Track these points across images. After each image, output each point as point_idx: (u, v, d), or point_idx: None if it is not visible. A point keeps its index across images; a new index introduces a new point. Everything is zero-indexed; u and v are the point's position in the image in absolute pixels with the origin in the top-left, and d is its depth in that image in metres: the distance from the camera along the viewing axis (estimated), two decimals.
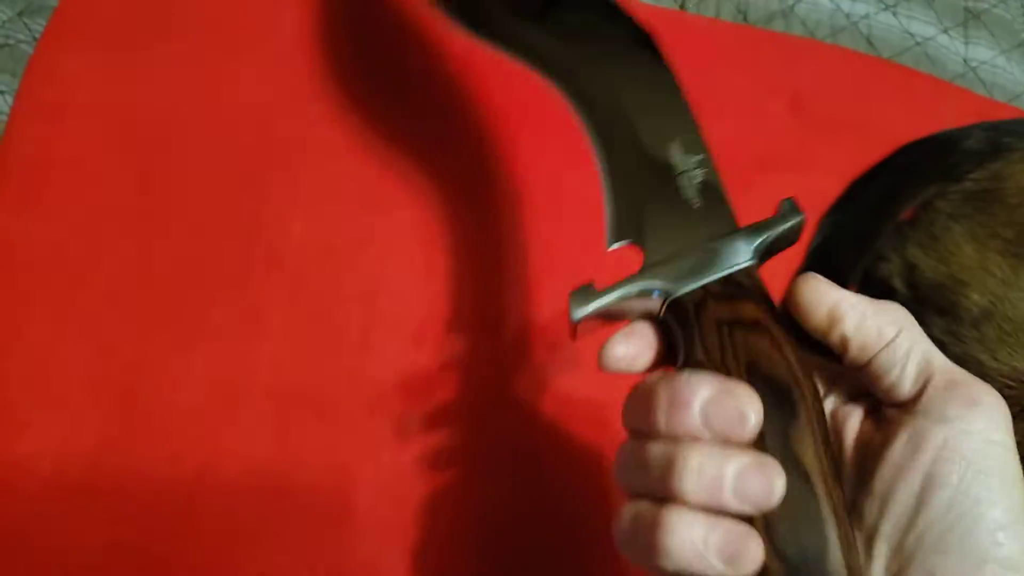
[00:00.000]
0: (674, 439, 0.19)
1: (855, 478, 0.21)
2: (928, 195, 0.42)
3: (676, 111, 0.26)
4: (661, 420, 0.19)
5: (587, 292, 0.22)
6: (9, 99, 0.41)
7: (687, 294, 0.22)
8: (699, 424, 0.19)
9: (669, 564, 0.18)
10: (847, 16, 0.48)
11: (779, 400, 0.20)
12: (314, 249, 0.40)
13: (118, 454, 0.35)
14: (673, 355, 0.22)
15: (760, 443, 0.19)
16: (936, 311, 0.39)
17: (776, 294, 0.45)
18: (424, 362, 0.38)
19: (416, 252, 0.40)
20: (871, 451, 0.21)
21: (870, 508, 0.20)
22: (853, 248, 0.42)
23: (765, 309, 0.22)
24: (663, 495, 0.19)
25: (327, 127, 0.42)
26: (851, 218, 0.42)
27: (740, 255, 0.22)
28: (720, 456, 0.18)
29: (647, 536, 0.18)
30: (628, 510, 0.19)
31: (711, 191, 0.25)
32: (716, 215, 0.24)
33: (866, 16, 0.48)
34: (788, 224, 0.24)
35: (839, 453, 0.21)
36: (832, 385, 0.23)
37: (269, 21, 0.43)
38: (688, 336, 0.21)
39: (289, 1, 0.44)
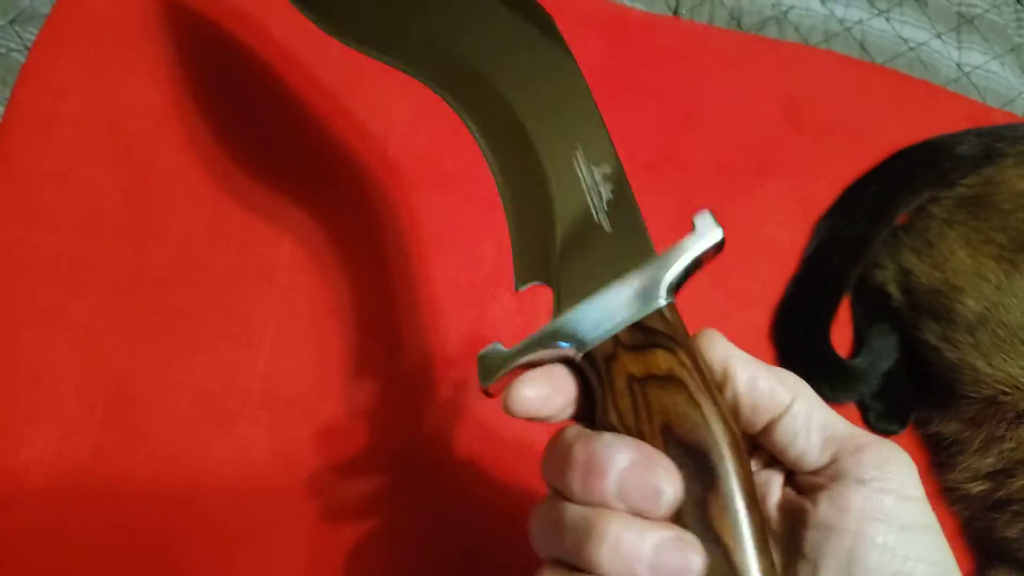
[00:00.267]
0: (591, 504, 0.18)
1: (786, 540, 0.20)
2: (922, 201, 0.42)
3: (578, 112, 0.22)
4: (576, 485, 0.18)
5: (493, 354, 0.20)
6: (1, 107, 0.40)
7: (598, 347, 0.20)
8: (615, 495, 0.18)
9: None
10: (840, 22, 0.48)
11: (698, 466, 0.19)
12: (306, 256, 0.39)
13: (112, 463, 0.35)
14: (591, 395, 0.21)
15: (679, 517, 0.18)
16: (931, 317, 0.39)
17: (770, 302, 0.44)
18: (405, 376, 0.38)
19: (410, 259, 0.40)
20: (796, 514, 0.20)
21: (804, 571, 0.20)
22: (848, 254, 0.42)
23: (680, 357, 0.20)
24: (578, 565, 0.18)
25: (318, 133, 0.41)
26: (846, 224, 0.42)
27: (652, 295, 0.20)
28: (638, 529, 0.18)
29: None
30: None
31: (622, 210, 0.22)
32: (628, 239, 0.21)
33: (859, 22, 0.48)
34: (705, 247, 0.21)
35: (767, 515, 0.21)
36: (753, 448, 0.22)
37: (261, 27, 0.43)
38: (602, 392, 0.20)
39: (280, 7, 0.44)
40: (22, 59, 0.41)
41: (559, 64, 0.23)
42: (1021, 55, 0.48)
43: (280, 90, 0.42)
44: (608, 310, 0.20)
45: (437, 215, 0.41)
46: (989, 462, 0.37)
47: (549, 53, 0.23)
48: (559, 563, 0.19)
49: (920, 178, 0.42)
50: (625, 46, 0.46)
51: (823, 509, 0.19)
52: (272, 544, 0.36)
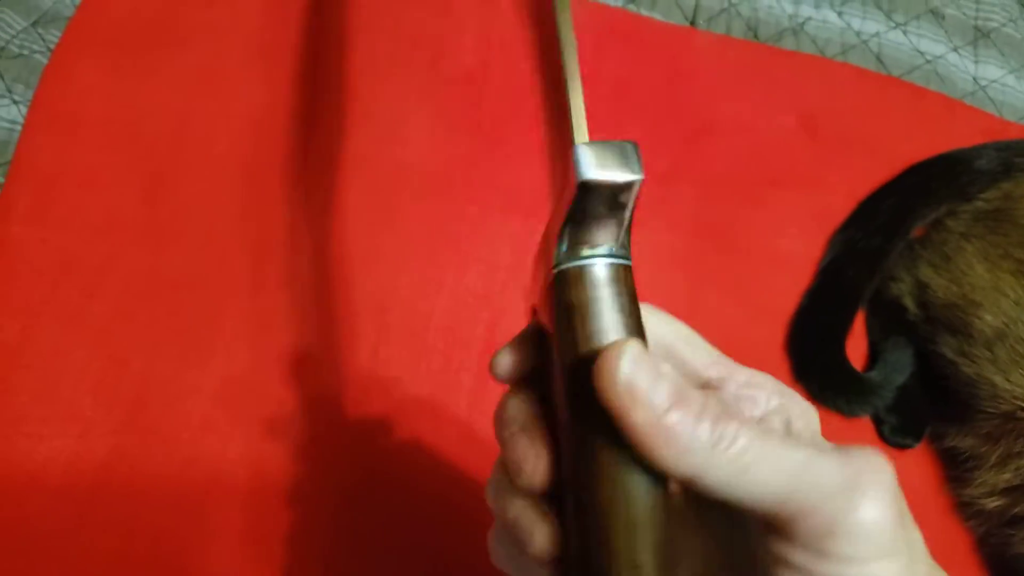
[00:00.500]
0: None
1: None
2: (939, 214, 0.42)
3: None
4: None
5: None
6: (23, 109, 0.41)
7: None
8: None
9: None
10: (857, 34, 0.48)
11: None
12: (325, 262, 0.40)
13: (128, 464, 0.35)
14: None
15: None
16: (948, 331, 0.39)
17: (785, 314, 0.44)
18: (426, 382, 0.38)
19: (427, 266, 0.40)
20: None
21: None
22: (864, 267, 0.42)
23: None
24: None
25: (338, 139, 0.42)
26: (862, 236, 0.42)
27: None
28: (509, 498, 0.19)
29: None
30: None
31: None
32: None
33: (876, 34, 0.48)
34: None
35: None
36: None
37: (281, 31, 0.43)
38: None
39: (300, 12, 0.44)
40: (44, 61, 0.41)
41: None
42: None
43: (300, 94, 0.42)
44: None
45: (453, 222, 0.41)
46: (1006, 478, 0.37)
47: None
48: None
49: (937, 191, 0.42)
50: (642, 56, 0.46)
51: None
52: (287, 546, 0.36)
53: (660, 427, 0.16)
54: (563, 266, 0.18)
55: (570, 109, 0.20)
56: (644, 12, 0.48)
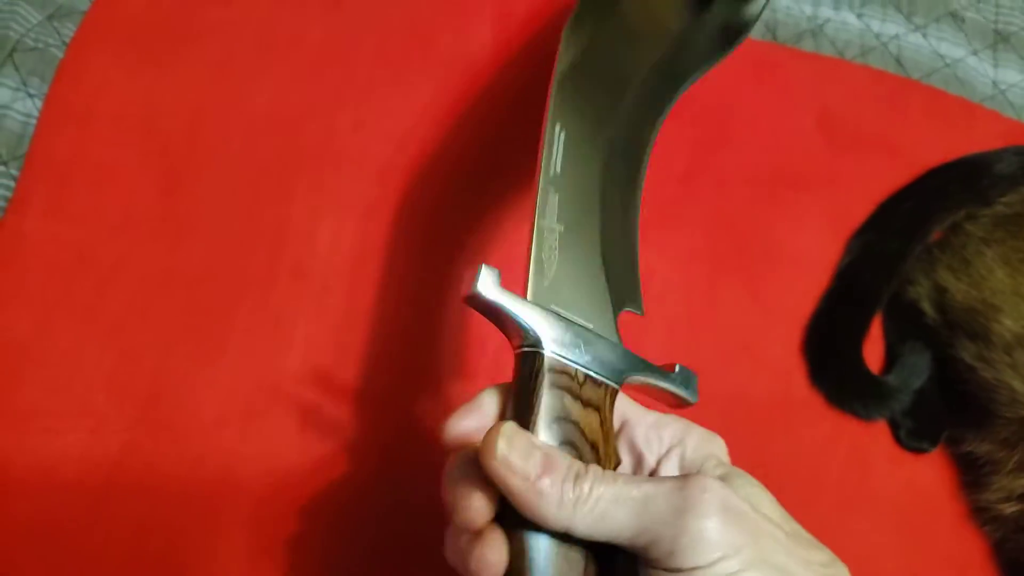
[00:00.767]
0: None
1: None
2: (958, 218, 0.42)
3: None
4: None
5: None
6: (38, 103, 0.40)
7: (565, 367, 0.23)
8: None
9: None
10: (877, 36, 0.47)
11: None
12: (340, 258, 0.39)
13: (141, 459, 0.35)
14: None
15: None
16: (967, 335, 0.39)
17: (802, 317, 0.44)
18: (437, 382, 0.38)
19: (443, 261, 0.40)
20: None
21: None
22: (882, 270, 0.42)
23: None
24: None
25: (353, 134, 0.41)
26: (880, 239, 0.42)
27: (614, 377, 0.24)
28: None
29: None
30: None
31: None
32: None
33: (896, 37, 0.48)
34: (671, 391, 0.25)
35: None
36: None
37: (297, 27, 0.43)
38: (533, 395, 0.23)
39: (317, 8, 0.44)
40: (60, 55, 0.41)
41: None
42: None
43: (315, 90, 0.42)
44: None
45: (465, 222, 0.41)
46: (1023, 483, 0.37)
47: None
48: None
49: (956, 195, 0.42)
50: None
51: None
52: (296, 543, 0.36)
53: (534, 491, 0.20)
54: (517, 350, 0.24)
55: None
56: None
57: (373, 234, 0.40)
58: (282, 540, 0.35)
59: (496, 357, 0.39)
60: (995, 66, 0.48)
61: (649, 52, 0.30)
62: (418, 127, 0.42)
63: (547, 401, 0.22)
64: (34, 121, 0.40)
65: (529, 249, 0.24)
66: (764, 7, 0.32)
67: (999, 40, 0.48)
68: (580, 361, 0.23)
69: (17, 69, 0.41)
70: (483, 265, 0.22)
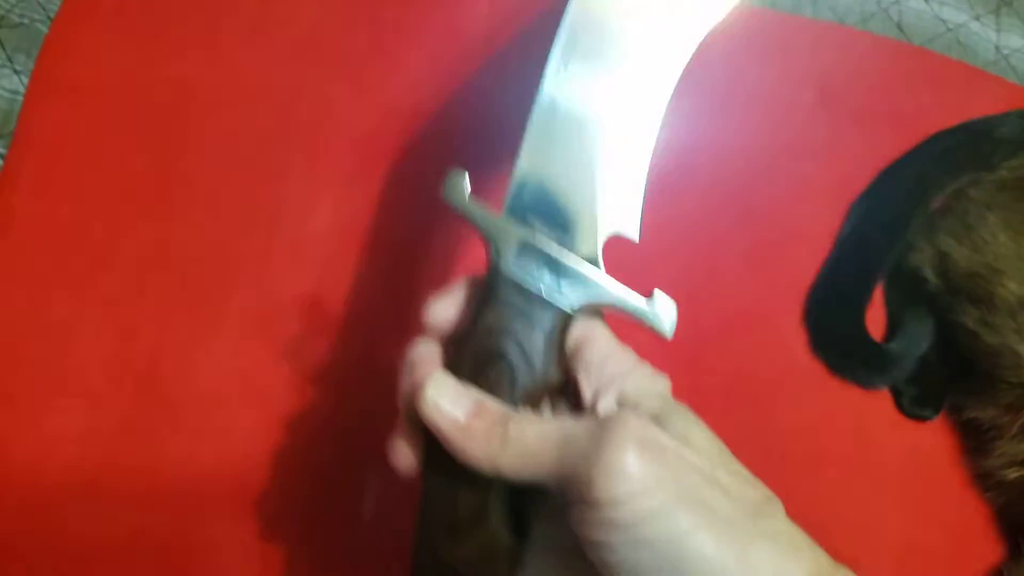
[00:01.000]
0: None
1: None
2: (961, 184, 0.41)
3: None
4: None
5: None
6: (24, 79, 0.40)
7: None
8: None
9: None
10: (877, 2, 0.47)
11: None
12: (336, 232, 0.39)
13: (139, 437, 0.35)
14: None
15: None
16: (970, 301, 0.38)
17: (804, 285, 0.43)
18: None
19: (438, 242, 0.39)
20: None
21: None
22: (884, 237, 0.41)
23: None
24: None
25: (349, 110, 0.41)
26: (882, 206, 0.42)
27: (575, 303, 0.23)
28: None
29: None
30: None
31: None
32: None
33: (896, 2, 0.47)
34: (640, 315, 0.24)
35: None
36: None
37: (284, 2, 0.42)
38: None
39: None
40: (45, 30, 0.40)
41: None
42: None
43: (309, 64, 0.41)
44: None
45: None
46: None
47: None
48: None
49: (959, 160, 0.41)
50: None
51: None
52: (300, 519, 0.36)
53: (463, 433, 0.21)
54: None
55: None
56: None
57: (369, 208, 0.39)
58: (281, 514, 0.35)
59: None
60: (998, 31, 0.47)
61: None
62: (414, 101, 0.41)
63: (493, 315, 0.23)
64: (20, 98, 0.39)
65: (517, 154, 0.24)
66: None
67: (1002, 4, 0.47)
68: (537, 281, 0.23)
69: (2, 45, 0.40)
70: (453, 170, 0.23)
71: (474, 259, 0.39)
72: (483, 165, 0.41)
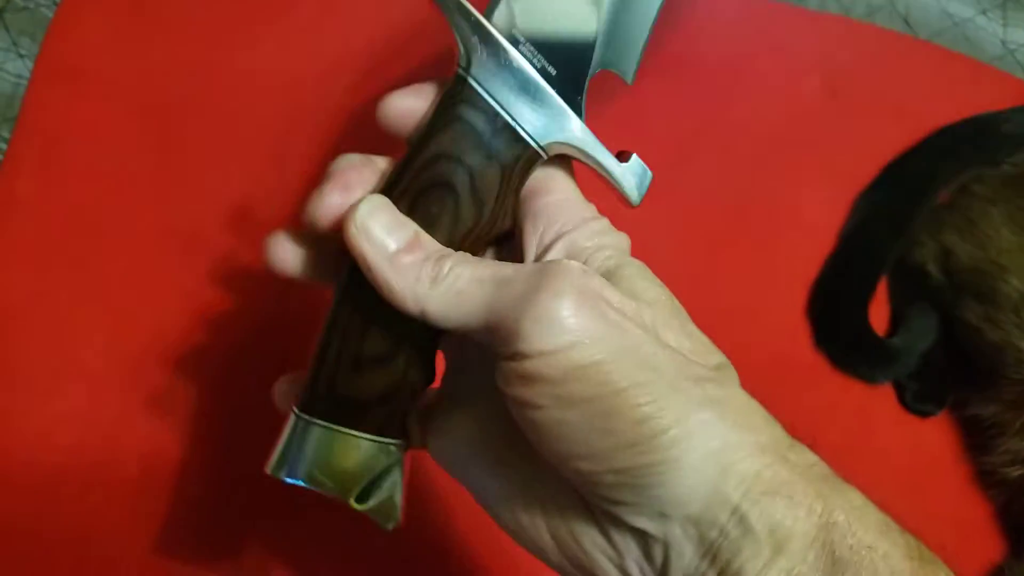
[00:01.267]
0: None
1: None
2: (965, 179, 0.41)
3: None
4: None
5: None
6: (29, 63, 0.40)
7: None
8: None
9: None
10: None
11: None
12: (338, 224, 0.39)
13: (139, 421, 0.35)
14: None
15: None
16: (973, 296, 0.38)
17: (807, 278, 0.43)
18: None
19: None
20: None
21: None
22: (888, 231, 0.41)
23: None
24: None
25: (351, 96, 0.41)
26: (886, 200, 0.41)
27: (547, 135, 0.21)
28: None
29: None
30: None
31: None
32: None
33: None
34: (611, 176, 0.21)
35: None
36: None
37: None
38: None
39: None
40: (50, 14, 0.40)
41: None
42: None
43: (314, 48, 0.41)
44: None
45: None
46: None
47: None
48: None
49: (964, 155, 0.41)
50: (663, 17, 0.45)
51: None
52: (307, 506, 0.35)
53: (391, 265, 0.19)
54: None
55: None
56: None
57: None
58: (287, 500, 0.35)
59: None
60: (1004, 25, 0.47)
61: None
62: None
63: (448, 136, 0.20)
64: (25, 82, 0.39)
65: None
66: None
67: None
68: (505, 105, 0.20)
69: (7, 29, 0.40)
70: None
71: None
72: None
